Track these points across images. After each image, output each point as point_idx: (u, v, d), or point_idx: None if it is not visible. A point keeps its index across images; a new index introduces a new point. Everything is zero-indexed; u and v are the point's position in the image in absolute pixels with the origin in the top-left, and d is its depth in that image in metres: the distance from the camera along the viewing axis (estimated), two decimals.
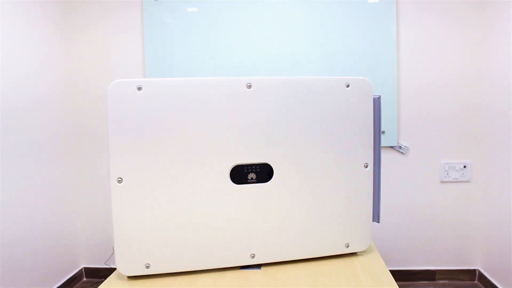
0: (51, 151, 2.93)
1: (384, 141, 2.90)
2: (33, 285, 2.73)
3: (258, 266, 1.28)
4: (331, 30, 2.92)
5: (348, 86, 1.26)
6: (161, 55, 2.99)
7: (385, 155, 2.97)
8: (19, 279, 2.60)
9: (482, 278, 3.03)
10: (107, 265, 3.11)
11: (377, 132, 1.31)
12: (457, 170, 2.99)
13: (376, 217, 1.37)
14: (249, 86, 1.19)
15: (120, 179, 1.16)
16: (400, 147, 2.96)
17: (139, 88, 1.14)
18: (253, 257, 1.25)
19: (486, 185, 2.94)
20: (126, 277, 1.23)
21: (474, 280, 3.11)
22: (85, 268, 3.31)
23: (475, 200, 3.04)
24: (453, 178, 3.01)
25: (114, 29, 3.08)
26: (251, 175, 1.22)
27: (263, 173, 1.23)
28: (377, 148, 1.32)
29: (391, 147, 2.97)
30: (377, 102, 1.31)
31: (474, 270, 3.11)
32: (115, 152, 1.15)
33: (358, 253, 1.36)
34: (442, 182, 3.00)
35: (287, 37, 2.95)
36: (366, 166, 1.30)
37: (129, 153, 1.15)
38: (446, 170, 2.97)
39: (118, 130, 1.14)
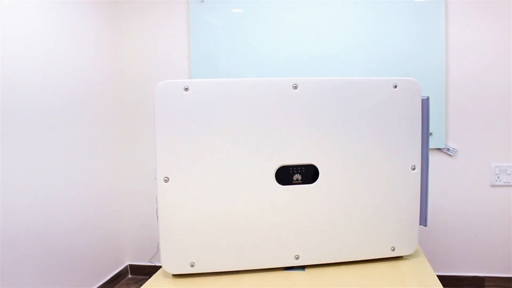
0: (100, 148, 3.00)
1: (432, 143, 2.84)
2: (78, 280, 2.80)
3: (302, 267, 1.27)
4: (378, 30, 2.88)
5: (396, 86, 1.24)
6: (206, 56, 3.01)
7: (433, 157, 2.90)
8: (65, 274, 2.68)
9: None
10: (151, 263, 3.15)
11: (425, 133, 1.29)
12: (508, 174, 2.89)
13: (423, 221, 1.34)
14: (295, 87, 1.18)
15: (166, 178, 1.17)
16: (448, 149, 2.90)
17: (186, 89, 1.15)
18: (297, 258, 1.24)
19: None
20: (171, 275, 1.25)
21: None
22: (130, 265, 3.37)
23: None
24: (504, 182, 2.91)
25: (160, 30, 3.13)
26: (297, 176, 1.22)
27: (309, 174, 1.22)
28: (425, 150, 1.29)
29: (439, 149, 2.91)
30: (425, 103, 1.28)
31: (483, 278, 3.02)
32: (162, 151, 1.17)
33: (404, 257, 1.33)
34: (493, 186, 2.91)
35: (332, 37, 2.92)
36: (414, 169, 1.27)
37: (176, 153, 1.17)
38: (496, 174, 2.88)
39: (165, 130, 1.16)
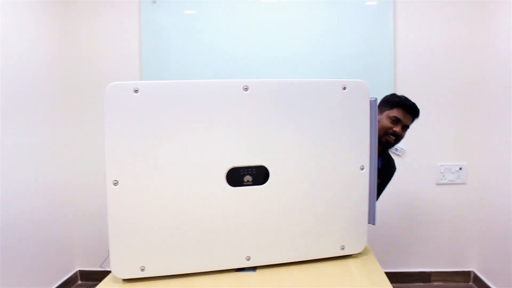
0: (47, 150, 2.90)
1: None
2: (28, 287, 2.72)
3: (254, 268, 1.28)
4: (329, 32, 2.92)
5: (344, 88, 1.26)
6: (159, 57, 2.97)
7: None
8: (14, 281, 2.58)
9: (477, 280, 3.04)
10: (102, 268, 3.08)
11: (373, 134, 1.32)
12: (453, 172, 3.00)
13: (371, 219, 1.37)
14: (246, 89, 1.19)
15: (116, 181, 1.15)
16: (396, 149, 2.97)
17: (136, 91, 1.14)
18: (248, 259, 1.25)
19: (482, 187, 2.95)
20: (121, 280, 1.23)
21: (469, 282, 3.12)
22: (80, 271, 3.29)
23: (471, 202, 3.03)
24: (449, 180, 3.01)
25: (111, 30, 3.06)
26: (247, 178, 1.22)
27: (259, 175, 1.23)
28: (373, 150, 1.32)
29: None
30: (373, 104, 1.31)
31: (469, 272, 3.12)
32: (111, 154, 1.14)
33: (353, 255, 1.36)
34: (438, 184, 3.01)
35: (284, 39, 2.94)
36: (362, 169, 1.30)
37: (125, 156, 1.15)
38: (442, 172, 2.97)
39: (114, 132, 1.14)
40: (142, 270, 1.19)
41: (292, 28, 2.94)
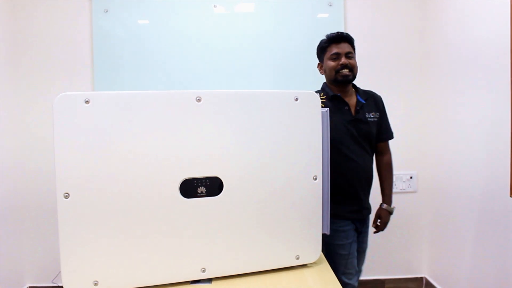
0: None
1: None
2: None
3: (209, 280, 1.27)
4: (281, 44, 2.96)
5: (297, 99, 1.28)
6: (111, 67, 2.93)
7: None
8: None
9: (429, 285, 3.09)
10: (54, 283, 3.00)
11: (326, 144, 1.34)
12: (404, 181, 3.07)
13: (325, 228, 1.39)
14: (199, 100, 1.19)
15: (67, 194, 1.13)
16: None
17: (87, 102, 1.13)
18: (203, 271, 1.24)
19: (431, 196, 3.02)
20: None
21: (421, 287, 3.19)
22: (30, 287, 3.20)
23: (421, 210, 3.10)
24: (400, 189, 3.07)
25: (61, 39, 2.99)
26: (201, 189, 1.22)
27: (213, 186, 1.23)
28: (325, 160, 1.34)
29: None
30: (325, 115, 1.33)
31: (422, 278, 3.18)
32: (62, 166, 1.13)
33: (308, 265, 1.37)
34: None
35: (237, 50, 2.96)
36: (315, 179, 1.32)
37: (76, 168, 1.13)
38: (393, 182, 3.03)
39: (65, 144, 1.12)
40: (95, 284, 1.17)
41: (245, 39, 2.96)
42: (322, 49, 2.06)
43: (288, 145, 1.28)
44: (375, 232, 2.26)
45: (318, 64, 2.14)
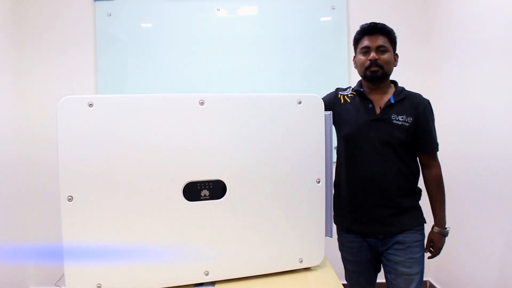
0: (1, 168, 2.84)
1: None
2: None
3: (212, 283, 1.27)
4: (284, 46, 2.96)
5: (300, 102, 1.28)
6: (114, 70, 2.94)
7: None
8: None
9: None
10: (58, 286, 3.01)
11: (329, 147, 1.34)
12: None
13: (329, 232, 1.39)
14: (202, 103, 1.19)
15: (70, 197, 1.14)
16: None
17: (90, 105, 1.13)
18: (207, 274, 1.24)
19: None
20: None
21: None
22: None
23: (424, 211, 3.10)
24: None
25: (65, 43, 3.01)
26: (204, 192, 1.22)
27: (217, 190, 1.23)
28: (329, 163, 1.34)
29: None
30: (328, 118, 1.33)
31: (426, 281, 3.17)
32: (65, 170, 1.13)
33: (312, 268, 1.37)
34: None
35: (240, 53, 2.96)
36: (319, 182, 1.32)
37: (80, 171, 1.14)
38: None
39: (68, 147, 1.13)
40: (99, 287, 1.17)
41: (248, 42, 2.96)
42: (355, 41, 1.84)
43: (291, 148, 1.28)
44: (429, 258, 1.93)
45: (354, 57, 1.88)
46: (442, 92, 2.83)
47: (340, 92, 1.83)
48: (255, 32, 2.98)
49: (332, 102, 1.80)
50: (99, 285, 1.17)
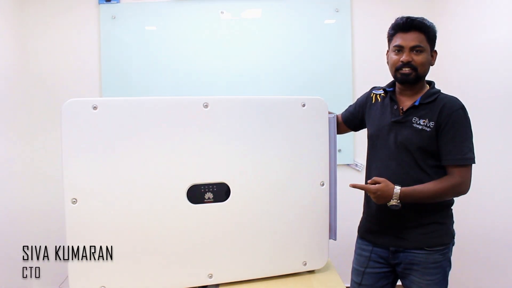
0: (7, 173, 2.84)
1: (341, 159, 2.90)
2: None
3: (216, 286, 1.27)
4: (288, 49, 2.95)
5: (304, 105, 1.28)
6: (119, 72, 2.93)
7: (341, 173, 2.95)
8: None
9: None
10: None
11: (333, 150, 1.34)
12: None
13: (333, 235, 1.38)
14: (206, 106, 1.20)
15: (74, 199, 1.14)
16: (356, 165, 2.99)
17: (95, 108, 1.13)
18: (210, 277, 1.24)
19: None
20: None
21: None
22: None
23: None
24: None
25: (70, 46, 3.01)
26: (208, 195, 1.22)
27: (220, 192, 1.23)
28: (333, 166, 1.34)
29: (348, 165, 3.00)
30: (332, 120, 1.33)
31: None
32: (69, 171, 1.13)
33: (315, 271, 1.36)
34: None
35: (244, 56, 2.95)
36: (323, 184, 1.31)
37: (84, 174, 1.14)
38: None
39: (73, 150, 1.13)
40: None
41: (252, 45, 2.96)
42: (389, 37, 1.65)
43: (295, 151, 1.28)
44: (352, 185, 1.42)
45: (387, 51, 1.67)
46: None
47: (374, 91, 1.70)
48: (259, 35, 2.97)
49: (364, 101, 1.69)
50: (102, 287, 1.17)
